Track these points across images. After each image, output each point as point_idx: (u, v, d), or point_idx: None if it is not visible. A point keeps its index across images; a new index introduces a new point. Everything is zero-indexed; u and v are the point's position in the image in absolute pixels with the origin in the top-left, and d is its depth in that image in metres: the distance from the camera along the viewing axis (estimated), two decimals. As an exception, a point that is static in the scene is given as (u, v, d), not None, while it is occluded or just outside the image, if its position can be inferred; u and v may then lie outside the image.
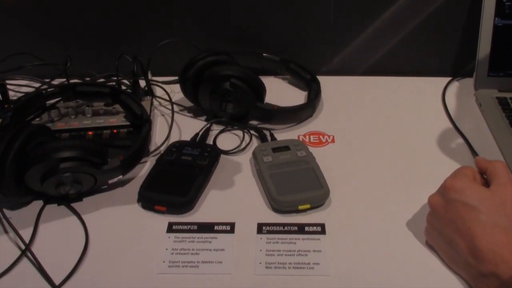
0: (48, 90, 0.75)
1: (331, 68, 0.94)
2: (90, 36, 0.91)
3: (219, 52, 0.79)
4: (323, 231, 0.61)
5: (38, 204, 0.65)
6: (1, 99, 0.79)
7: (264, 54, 0.90)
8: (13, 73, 0.87)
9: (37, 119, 0.76)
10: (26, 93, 0.77)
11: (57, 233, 0.62)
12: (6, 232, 0.61)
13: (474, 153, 0.73)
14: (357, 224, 0.62)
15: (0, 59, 0.84)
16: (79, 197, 0.65)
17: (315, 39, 0.92)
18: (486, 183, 0.56)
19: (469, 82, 0.88)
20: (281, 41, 0.92)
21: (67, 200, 0.65)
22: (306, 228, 0.61)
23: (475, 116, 0.82)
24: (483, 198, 0.52)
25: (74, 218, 0.63)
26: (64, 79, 0.83)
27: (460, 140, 0.76)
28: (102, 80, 0.86)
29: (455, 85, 0.90)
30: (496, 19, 0.82)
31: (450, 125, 0.80)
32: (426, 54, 0.92)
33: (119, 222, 0.63)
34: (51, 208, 0.65)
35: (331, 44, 0.92)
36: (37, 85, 0.86)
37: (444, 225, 0.55)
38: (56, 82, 0.88)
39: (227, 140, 0.77)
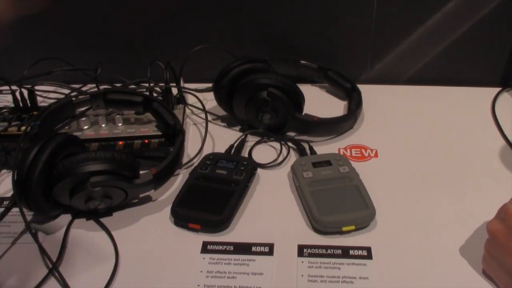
0: (79, 97, 0.72)
1: (372, 76, 0.89)
2: (121, 42, 0.88)
3: (255, 59, 0.75)
4: (369, 256, 0.56)
5: (66, 218, 0.62)
6: (29, 105, 0.76)
7: (301, 61, 0.86)
8: (41, 78, 0.84)
9: (66, 127, 0.73)
10: (55, 101, 0.73)
11: (85, 250, 0.58)
12: (33, 248, 0.58)
13: (531, 171, 0.68)
14: (405, 248, 0.57)
15: (29, 64, 0.81)
16: (108, 211, 0.62)
17: (355, 45, 0.87)
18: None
19: (521, 93, 0.83)
20: (319, 47, 0.87)
21: (96, 215, 0.62)
22: (351, 252, 0.57)
23: (530, 131, 0.76)
24: (550, 225, 0.47)
25: (103, 233, 0.60)
26: (94, 85, 0.80)
27: (515, 157, 0.71)
28: (133, 86, 0.83)
29: (505, 96, 0.85)
30: (554, 26, 0.76)
31: (502, 140, 0.74)
32: (474, 62, 0.87)
33: (151, 240, 0.59)
34: (80, 222, 0.62)
35: (372, 50, 0.87)
36: (65, 91, 0.83)
37: (505, 255, 0.49)
38: (85, 88, 0.85)
39: (263, 152, 0.73)
